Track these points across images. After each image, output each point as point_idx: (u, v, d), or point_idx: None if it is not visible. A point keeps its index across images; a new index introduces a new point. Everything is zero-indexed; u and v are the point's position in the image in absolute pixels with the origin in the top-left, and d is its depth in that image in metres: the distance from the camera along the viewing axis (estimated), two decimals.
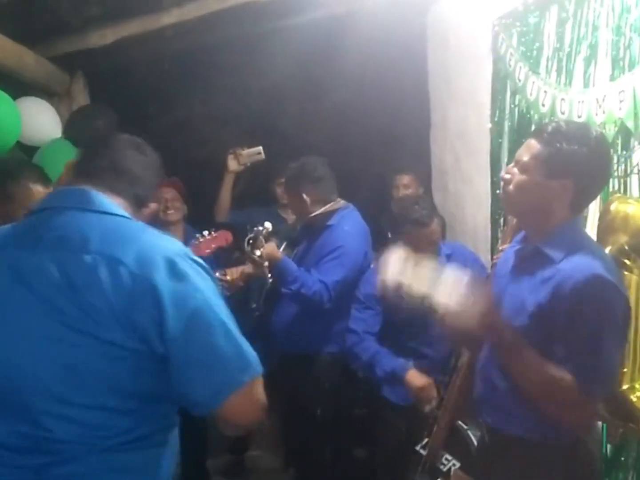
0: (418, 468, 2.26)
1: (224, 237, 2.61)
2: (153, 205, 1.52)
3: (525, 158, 1.53)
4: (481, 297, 1.41)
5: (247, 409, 1.27)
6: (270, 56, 3.55)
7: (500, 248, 2.08)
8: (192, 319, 1.21)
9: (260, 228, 2.49)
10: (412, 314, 1.67)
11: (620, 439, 1.80)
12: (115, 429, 1.25)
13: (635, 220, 1.72)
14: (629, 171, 1.84)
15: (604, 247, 1.69)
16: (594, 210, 1.91)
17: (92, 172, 1.39)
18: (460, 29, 3.00)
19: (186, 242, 3.07)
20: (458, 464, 2.15)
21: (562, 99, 2.09)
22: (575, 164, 1.48)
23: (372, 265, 2.93)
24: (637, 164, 1.82)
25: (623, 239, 1.72)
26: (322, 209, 2.78)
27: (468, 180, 3.08)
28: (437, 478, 2.18)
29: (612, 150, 1.80)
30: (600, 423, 1.80)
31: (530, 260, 1.57)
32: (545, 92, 2.20)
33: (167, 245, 1.29)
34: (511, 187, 1.56)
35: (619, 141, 1.86)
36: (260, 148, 3.22)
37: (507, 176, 1.58)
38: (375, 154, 4.19)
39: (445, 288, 1.37)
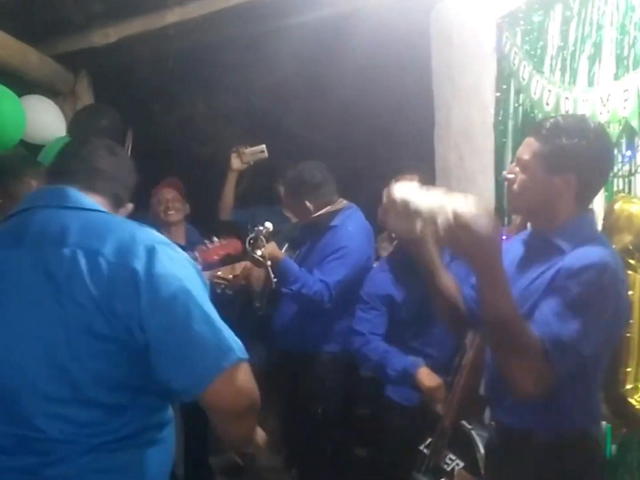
0: (421, 468, 2.26)
1: (233, 246, 2.58)
2: (130, 206, 1.54)
3: (526, 156, 1.53)
4: (489, 212, 1.33)
5: (230, 394, 1.26)
6: (274, 55, 3.55)
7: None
8: (169, 304, 1.22)
9: (261, 228, 2.48)
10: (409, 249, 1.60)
11: (623, 440, 1.80)
12: (106, 426, 1.25)
13: (639, 220, 1.71)
14: (633, 170, 1.83)
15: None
16: (598, 209, 1.90)
17: (68, 173, 1.42)
18: (464, 27, 2.99)
19: (188, 242, 3.08)
20: (462, 464, 2.15)
21: (567, 98, 2.08)
22: (576, 157, 1.47)
23: (375, 265, 2.94)
24: None
25: (627, 238, 1.72)
26: (324, 210, 2.78)
27: (472, 180, 3.07)
28: (441, 478, 2.18)
29: (616, 150, 1.79)
30: (604, 423, 1.79)
31: (539, 252, 1.57)
32: (549, 91, 2.20)
33: (146, 234, 1.31)
34: (515, 186, 1.56)
35: (624, 140, 1.85)
36: (264, 146, 3.22)
37: (511, 176, 1.58)
38: (378, 152, 4.18)
39: (454, 201, 1.30)
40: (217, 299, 2.51)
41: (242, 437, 1.41)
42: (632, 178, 1.83)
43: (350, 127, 4.27)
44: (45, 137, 3.25)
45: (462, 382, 2.10)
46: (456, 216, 1.25)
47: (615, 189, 1.86)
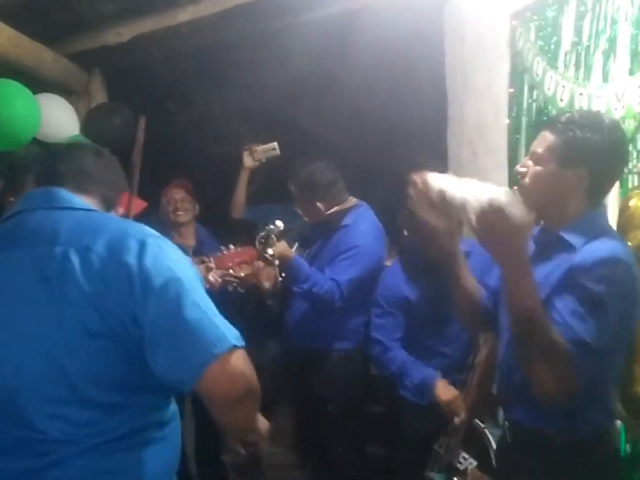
0: (435, 466, 2.26)
1: (248, 254, 2.57)
2: (120, 209, 1.56)
3: (540, 150, 1.53)
4: (520, 203, 1.32)
5: (225, 381, 1.26)
6: (286, 52, 3.54)
7: None
8: (161, 295, 1.22)
9: (272, 227, 2.48)
10: (437, 256, 1.61)
11: (638, 438, 1.78)
12: (105, 425, 1.25)
13: None
14: None
15: None
16: (613, 206, 1.88)
17: (57, 176, 1.43)
18: (477, 23, 2.97)
19: (198, 242, 3.08)
20: (475, 463, 2.14)
21: (581, 94, 2.06)
22: (589, 152, 1.46)
23: (387, 264, 2.93)
24: None
25: None
26: (335, 209, 2.78)
27: (485, 176, 3.03)
28: (454, 477, 2.17)
29: (631, 146, 1.77)
30: (619, 422, 1.77)
31: (549, 248, 1.55)
32: (563, 86, 2.18)
33: (138, 229, 1.31)
34: (527, 179, 1.56)
35: (639, 136, 1.83)
36: (276, 144, 3.22)
37: (523, 169, 1.57)
38: (391, 149, 4.17)
39: (490, 190, 1.30)
40: (229, 298, 2.55)
41: (241, 425, 1.40)
42: None
43: (362, 124, 4.25)
44: (59, 136, 3.27)
45: (476, 381, 2.10)
46: (491, 203, 1.25)
47: (630, 185, 1.84)
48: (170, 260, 1.27)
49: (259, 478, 3.32)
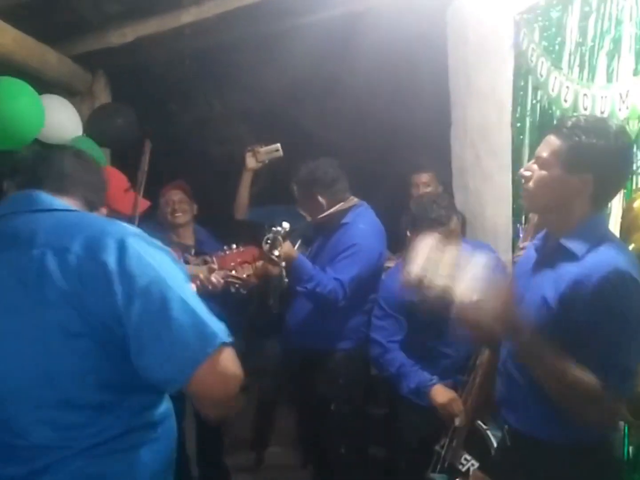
0: (437, 468, 2.25)
1: (251, 253, 2.56)
2: (103, 210, 1.54)
3: (545, 154, 1.52)
4: (502, 291, 1.40)
5: (216, 381, 1.24)
6: (289, 54, 3.55)
7: (521, 246, 2.06)
8: (145, 295, 1.20)
9: (279, 229, 2.47)
10: (434, 312, 1.66)
11: None
12: (93, 428, 1.23)
13: None
14: None
15: (628, 245, 1.65)
16: (617, 207, 1.88)
17: (37, 179, 1.41)
18: (481, 24, 2.97)
19: (197, 243, 3.08)
20: (477, 464, 2.13)
21: (585, 95, 2.06)
22: (595, 157, 1.46)
23: (388, 265, 2.93)
24: None
25: None
26: (336, 207, 2.79)
27: (489, 178, 3.05)
28: (456, 478, 2.16)
29: (635, 146, 1.76)
30: (622, 424, 1.76)
31: (552, 256, 1.55)
32: (567, 87, 2.17)
33: (118, 228, 1.29)
34: (531, 183, 1.55)
35: None
36: (279, 145, 3.22)
37: (527, 173, 1.57)
38: (394, 151, 4.17)
39: (467, 279, 1.35)
40: (232, 299, 2.55)
41: (225, 415, 1.40)
42: None
43: (366, 126, 4.26)
44: (62, 137, 3.26)
45: (478, 382, 2.09)
46: (460, 309, 1.34)
47: (634, 186, 1.84)
48: (153, 259, 1.25)
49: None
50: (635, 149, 1.75)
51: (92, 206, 1.47)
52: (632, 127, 1.82)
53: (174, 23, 3.25)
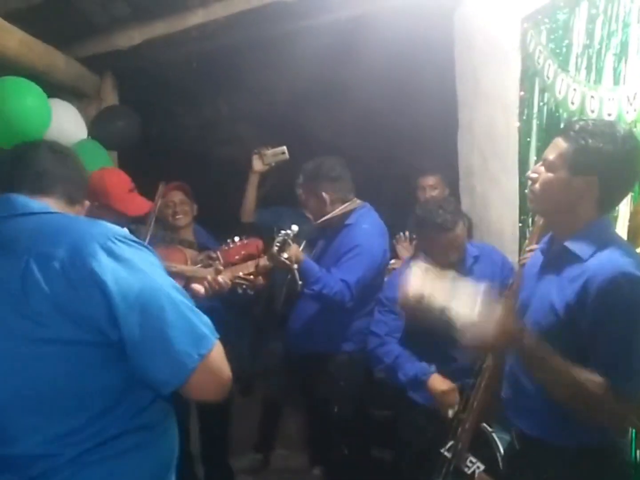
0: (442, 470, 2.24)
1: (254, 245, 2.56)
2: (87, 202, 1.51)
3: (552, 157, 1.53)
4: (499, 308, 1.41)
5: (212, 380, 1.26)
6: (296, 56, 3.56)
7: (527, 249, 2.05)
8: (142, 302, 1.20)
9: (289, 232, 2.47)
10: (433, 326, 1.67)
11: None
12: (87, 432, 1.22)
13: None
14: None
15: (635, 248, 1.65)
16: (624, 211, 1.87)
17: (13, 181, 1.38)
18: (487, 27, 2.97)
19: (197, 244, 3.07)
20: (482, 467, 2.13)
21: (592, 97, 2.05)
22: (600, 160, 1.46)
23: (391, 264, 2.92)
24: None
25: None
26: (340, 209, 2.78)
27: (495, 181, 3.04)
28: None
29: None
30: (630, 428, 1.75)
31: (557, 260, 1.55)
32: (574, 89, 2.17)
33: (100, 230, 1.26)
34: (537, 185, 1.56)
35: None
36: (285, 148, 3.22)
37: (534, 175, 1.57)
38: (401, 154, 4.17)
39: (464, 300, 1.37)
40: (239, 300, 2.55)
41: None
42: None
43: (373, 129, 4.26)
44: (67, 141, 3.26)
45: (484, 385, 2.08)
46: (462, 324, 1.36)
47: None
48: (140, 260, 1.24)
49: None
50: None
51: (73, 201, 1.44)
52: (639, 130, 1.81)
53: (181, 25, 3.27)
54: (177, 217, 3.02)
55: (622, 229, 1.86)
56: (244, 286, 2.48)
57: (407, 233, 3.31)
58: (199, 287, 2.36)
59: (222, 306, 2.67)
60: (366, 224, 2.77)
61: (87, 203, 1.51)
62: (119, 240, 1.25)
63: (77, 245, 1.21)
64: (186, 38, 3.36)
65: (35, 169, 1.40)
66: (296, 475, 3.47)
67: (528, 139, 2.58)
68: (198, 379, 1.23)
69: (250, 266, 2.47)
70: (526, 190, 2.41)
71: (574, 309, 1.45)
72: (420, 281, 1.47)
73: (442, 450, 2.27)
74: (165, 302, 1.22)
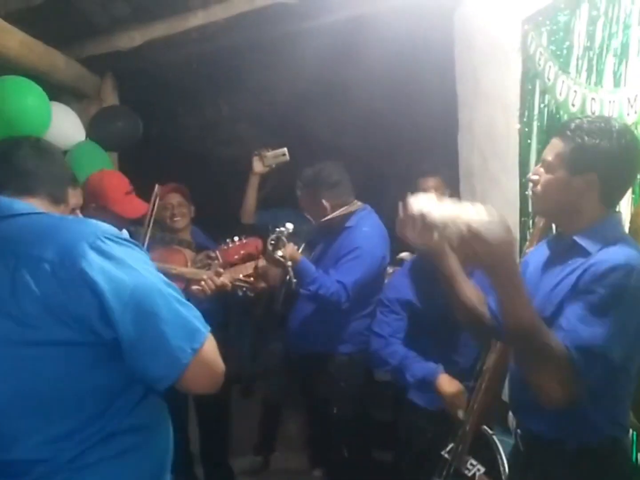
0: (442, 473, 2.24)
1: (254, 244, 2.56)
2: (73, 201, 1.48)
3: (550, 157, 1.53)
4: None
5: (206, 373, 1.27)
6: (296, 58, 3.55)
7: (527, 250, 2.05)
8: (135, 299, 1.19)
9: (283, 229, 2.48)
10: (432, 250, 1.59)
11: None
12: (84, 434, 1.22)
13: None
14: None
15: None
16: (625, 212, 1.87)
17: None
18: (488, 28, 2.97)
19: (195, 243, 3.07)
20: (483, 469, 2.13)
21: (593, 99, 2.05)
22: (597, 157, 1.46)
23: (390, 270, 2.92)
24: None
25: None
26: (340, 211, 2.79)
27: (496, 182, 3.04)
28: None
29: None
30: (631, 431, 1.75)
31: (564, 253, 1.55)
32: (575, 91, 2.16)
33: (89, 229, 1.25)
34: (539, 187, 1.56)
35: None
36: (285, 149, 3.22)
37: (535, 177, 1.57)
38: (401, 155, 4.17)
39: (471, 210, 1.31)
40: (239, 302, 2.55)
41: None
42: None
43: (373, 130, 4.26)
44: (65, 144, 3.26)
45: (484, 387, 2.08)
46: (469, 227, 1.26)
47: None
48: (130, 258, 1.24)
49: None
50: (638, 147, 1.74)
51: (57, 200, 1.42)
52: None
53: (182, 27, 3.27)
54: (175, 219, 3.02)
55: None
56: (244, 289, 2.48)
57: None
58: (199, 290, 2.36)
59: (220, 308, 2.67)
60: (367, 226, 2.77)
61: (71, 202, 1.48)
62: (108, 239, 1.24)
63: (66, 245, 1.20)
64: (187, 39, 3.37)
65: (19, 169, 1.38)
66: (296, 477, 3.47)
67: (529, 141, 2.57)
68: (192, 373, 1.23)
69: (249, 267, 2.47)
70: (527, 192, 2.44)
71: (570, 296, 1.44)
72: (424, 201, 1.43)
73: (442, 453, 2.27)
74: (157, 298, 1.22)
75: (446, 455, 2.25)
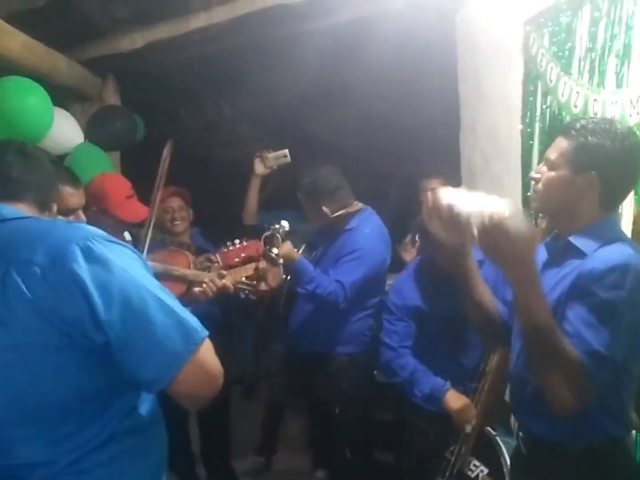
0: (445, 474, 2.24)
1: (254, 247, 2.55)
2: (74, 200, 1.49)
3: (553, 156, 1.54)
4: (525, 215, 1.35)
5: (201, 378, 1.25)
6: (298, 59, 3.55)
7: None
8: (124, 300, 1.18)
9: (277, 226, 2.48)
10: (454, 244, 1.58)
11: None
12: (81, 437, 1.21)
13: None
14: None
15: None
16: (628, 213, 1.87)
17: None
18: (490, 29, 2.97)
19: (195, 246, 3.06)
20: (486, 470, 2.13)
21: (595, 100, 2.05)
22: (600, 156, 1.47)
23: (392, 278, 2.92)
24: None
25: None
26: (341, 212, 2.80)
27: (498, 183, 3.04)
28: None
29: None
30: (634, 432, 1.75)
31: (561, 254, 1.55)
32: (577, 92, 2.16)
33: (78, 232, 1.24)
34: (540, 185, 1.57)
35: None
36: (287, 151, 3.22)
37: (537, 175, 1.58)
38: (404, 156, 4.17)
39: (493, 202, 1.31)
40: (241, 304, 2.54)
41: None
42: None
43: (375, 131, 4.26)
44: (65, 147, 3.26)
45: (487, 388, 2.08)
46: (492, 217, 1.26)
47: None
48: (121, 260, 1.22)
49: None
50: None
51: (43, 207, 1.41)
52: None
53: (184, 28, 3.27)
54: (176, 222, 3.01)
55: (625, 232, 1.85)
56: (246, 291, 2.48)
57: (408, 237, 3.30)
58: (201, 292, 2.36)
59: (220, 311, 2.67)
60: (368, 228, 2.78)
61: (71, 202, 1.47)
62: (97, 241, 1.22)
63: (56, 248, 1.19)
64: (188, 41, 3.37)
65: (7, 174, 1.36)
66: (298, 478, 3.46)
67: (531, 142, 2.57)
68: (187, 376, 1.21)
69: (249, 269, 2.46)
70: (529, 193, 2.44)
71: (563, 301, 1.44)
72: (446, 194, 1.42)
73: (445, 454, 2.27)
74: (148, 298, 1.20)
75: (450, 456, 2.25)
